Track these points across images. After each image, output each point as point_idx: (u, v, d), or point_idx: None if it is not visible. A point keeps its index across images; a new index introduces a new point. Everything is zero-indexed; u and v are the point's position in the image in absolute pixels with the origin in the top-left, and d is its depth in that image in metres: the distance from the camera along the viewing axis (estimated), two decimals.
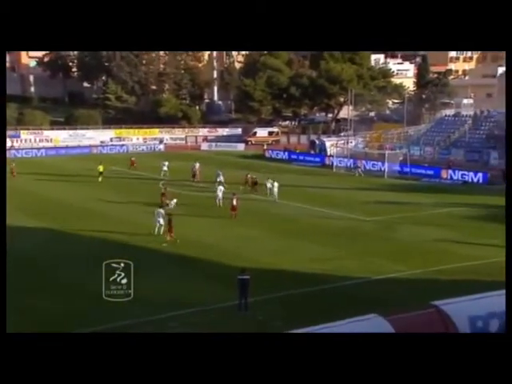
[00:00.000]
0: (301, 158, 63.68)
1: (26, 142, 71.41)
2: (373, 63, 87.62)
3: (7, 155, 61.16)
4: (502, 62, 73.34)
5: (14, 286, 20.37)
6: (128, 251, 24.01)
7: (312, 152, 65.69)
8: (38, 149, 69.16)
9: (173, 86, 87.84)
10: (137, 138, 76.90)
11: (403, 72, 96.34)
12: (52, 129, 75.22)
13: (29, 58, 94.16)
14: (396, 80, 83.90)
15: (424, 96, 79.98)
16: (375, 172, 53.34)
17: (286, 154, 65.60)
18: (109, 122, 78.10)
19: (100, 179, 46.35)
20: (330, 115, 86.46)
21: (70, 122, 77.20)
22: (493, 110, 60.54)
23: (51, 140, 72.91)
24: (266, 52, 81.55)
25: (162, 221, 28.85)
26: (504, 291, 8.86)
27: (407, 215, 35.22)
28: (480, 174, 48.17)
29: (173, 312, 19.31)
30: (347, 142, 62.04)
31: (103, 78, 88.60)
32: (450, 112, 69.17)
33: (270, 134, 79.62)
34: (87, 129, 75.38)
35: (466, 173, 49.31)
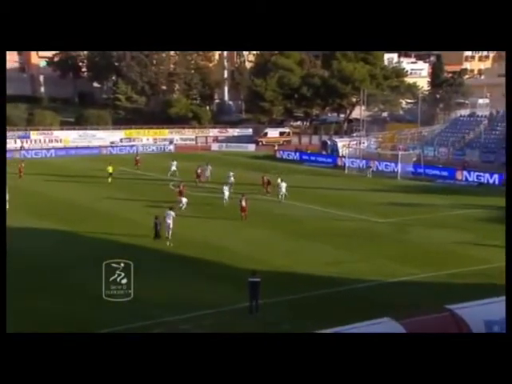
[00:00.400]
0: (312, 158, 63.27)
1: (35, 142, 71.34)
2: (386, 62, 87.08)
3: (17, 156, 61.33)
4: None
5: (20, 287, 20.64)
6: (137, 253, 24.07)
7: (324, 153, 65.26)
8: (48, 149, 69.04)
9: (183, 86, 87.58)
10: (147, 139, 76.64)
11: (417, 71, 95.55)
12: (62, 129, 75.15)
13: (39, 58, 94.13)
14: (409, 79, 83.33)
15: (438, 96, 79.53)
16: (388, 173, 53.05)
17: (298, 154, 65.21)
18: (119, 123, 77.97)
19: (109, 180, 46.16)
20: (342, 115, 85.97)
21: (79, 123, 77.12)
22: None
23: (61, 140, 72.78)
24: (277, 52, 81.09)
25: (171, 223, 28.41)
26: None
27: (421, 217, 34.83)
28: (496, 176, 47.27)
29: (183, 314, 19.20)
30: (359, 143, 61.67)
31: (113, 78, 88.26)
32: (465, 112, 68.57)
33: (281, 134, 79.19)
34: (97, 129, 75.27)
35: (481, 174, 48.71)
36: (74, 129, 74.79)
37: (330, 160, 61.18)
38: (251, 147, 73.92)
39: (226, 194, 37.39)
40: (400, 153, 53.54)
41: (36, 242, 28.88)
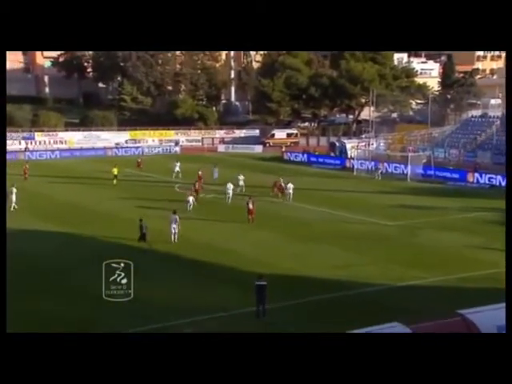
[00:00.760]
0: (320, 160, 62.93)
1: (40, 143, 70.97)
2: (395, 62, 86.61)
3: (22, 157, 60.90)
4: None
5: (22, 288, 20.86)
6: (140, 256, 24.07)
7: (332, 154, 64.97)
8: (53, 151, 68.71)
9: (189, 87, 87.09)
10: (152, 140, 76.31)
11: (427, 71, 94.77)
12: (66, 130, 74.85)
13: (44, 59, 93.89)
14: (420, 80, 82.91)
15: (449, 96, 78.93)
16: (398, 175, 52.90)
17: (305, 156, 64.96)
18: (124, 124, 77.60)
19: (115, 182, 45.92)
20: (351, 116, 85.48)
21: (84, 124, 76.80)
22: None
23: (65, 142, 72.46)
24: (284, 51, 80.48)
25: (176, 228, 27.98)
26: None
27: (431, 220, 34.52)
28: None
29: (188, 318, 18.94)
30: (368, 144, 61.40)
31: (118, 78, 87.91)
32: (476, 113, 68.04)
33: (289, 135, 78.80)
34: (102, 130, 74.94)
35: (493, 176, 48.33)
36: (79, 130, 74.49)
37: (338, 162, 60.96)
38: (258, 149, 73.61)
39: (230, 192, 38.12)
40: (410, 154, 53.27)
41: (39, 243, 28.75)
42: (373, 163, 55.36)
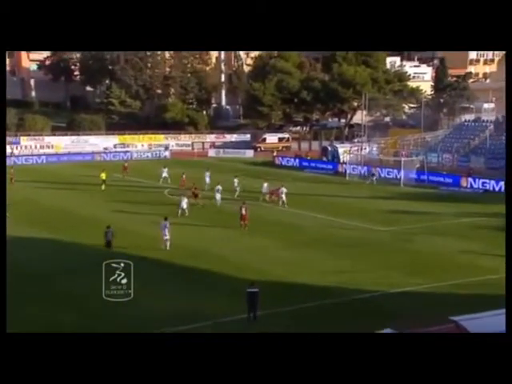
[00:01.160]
0: (312, 165, 62.73)
1: (26, 148, 70.00)
2: (388, 66, 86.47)
3: (7, 162, 59.50)
4: None
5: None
6: (131, 261, 23.59)
7: (324, 159, 64.59)
8: (39, 155, 67.80)
9: (179, 90, 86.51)
10: (141, 145, 75.58)
11: (420, 75, 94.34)
12: (53, 135, 73.95)
13: (30, 61, 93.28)
14: (412, 83, 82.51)
15: (442, 100, 78.83)
16: (391, 180, 52.68)
17: (297, 161, 64.75)
18: (112, 128, 76.77)
19: (103, 187, 45.38)
20: (343, 120, 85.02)
21: (72, 128, 75.87)
22: None
23: (52, 146, 71.51)
24: (276, 54, 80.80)
25: (168, 234, 27.69)
26: None
27: (425, 225, 34.50)
28: (502, 183, 46.20)
29: (180, 326, 18.76)
30: (361, 149, 60.99)
31: (107, 81, 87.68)
32: (469, 117, 68.06)
33: (280, 140, 78.39)
34: (90, 135, 74.07)
35: (487, 181, 48.14)
36: (66, 134, 73.58)
37: (330, 166, 60.73)
38: (249, 153, 73.21)
39: (218, 195, 38.43)
40: (403, 159, 53.01)
41: (25, 249, 28.42)
42: (365, 168, 55.26)
